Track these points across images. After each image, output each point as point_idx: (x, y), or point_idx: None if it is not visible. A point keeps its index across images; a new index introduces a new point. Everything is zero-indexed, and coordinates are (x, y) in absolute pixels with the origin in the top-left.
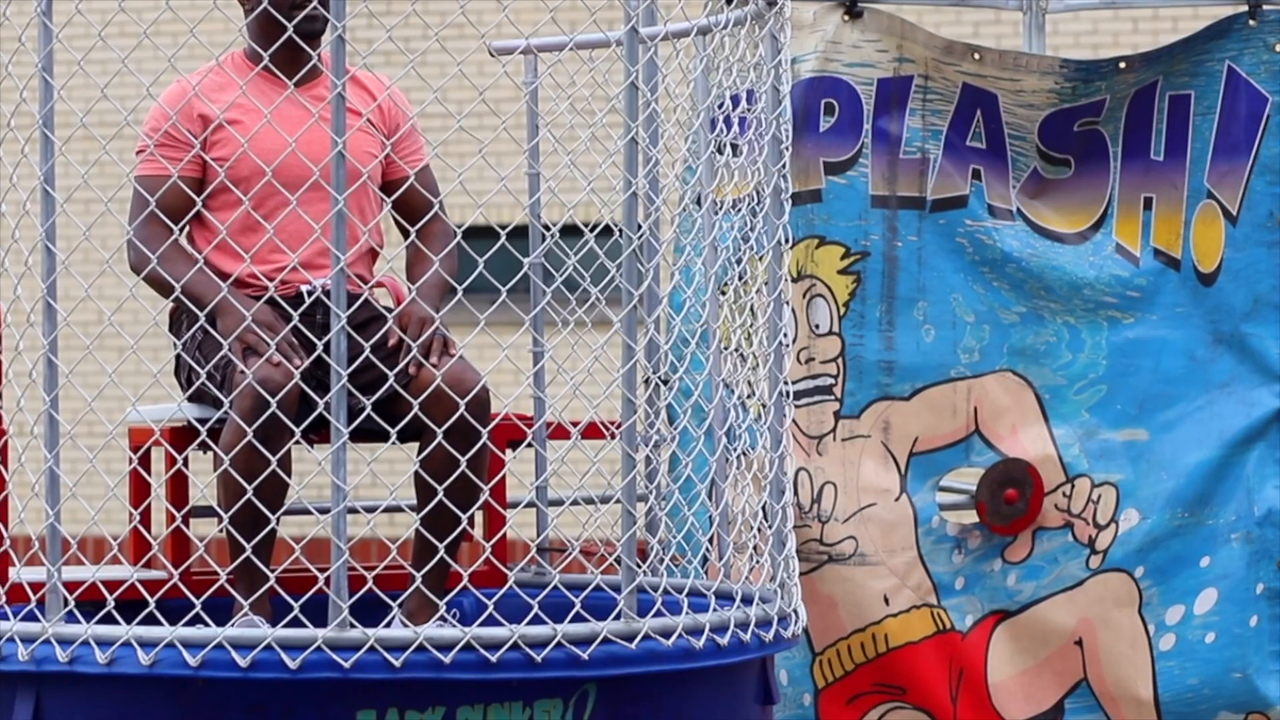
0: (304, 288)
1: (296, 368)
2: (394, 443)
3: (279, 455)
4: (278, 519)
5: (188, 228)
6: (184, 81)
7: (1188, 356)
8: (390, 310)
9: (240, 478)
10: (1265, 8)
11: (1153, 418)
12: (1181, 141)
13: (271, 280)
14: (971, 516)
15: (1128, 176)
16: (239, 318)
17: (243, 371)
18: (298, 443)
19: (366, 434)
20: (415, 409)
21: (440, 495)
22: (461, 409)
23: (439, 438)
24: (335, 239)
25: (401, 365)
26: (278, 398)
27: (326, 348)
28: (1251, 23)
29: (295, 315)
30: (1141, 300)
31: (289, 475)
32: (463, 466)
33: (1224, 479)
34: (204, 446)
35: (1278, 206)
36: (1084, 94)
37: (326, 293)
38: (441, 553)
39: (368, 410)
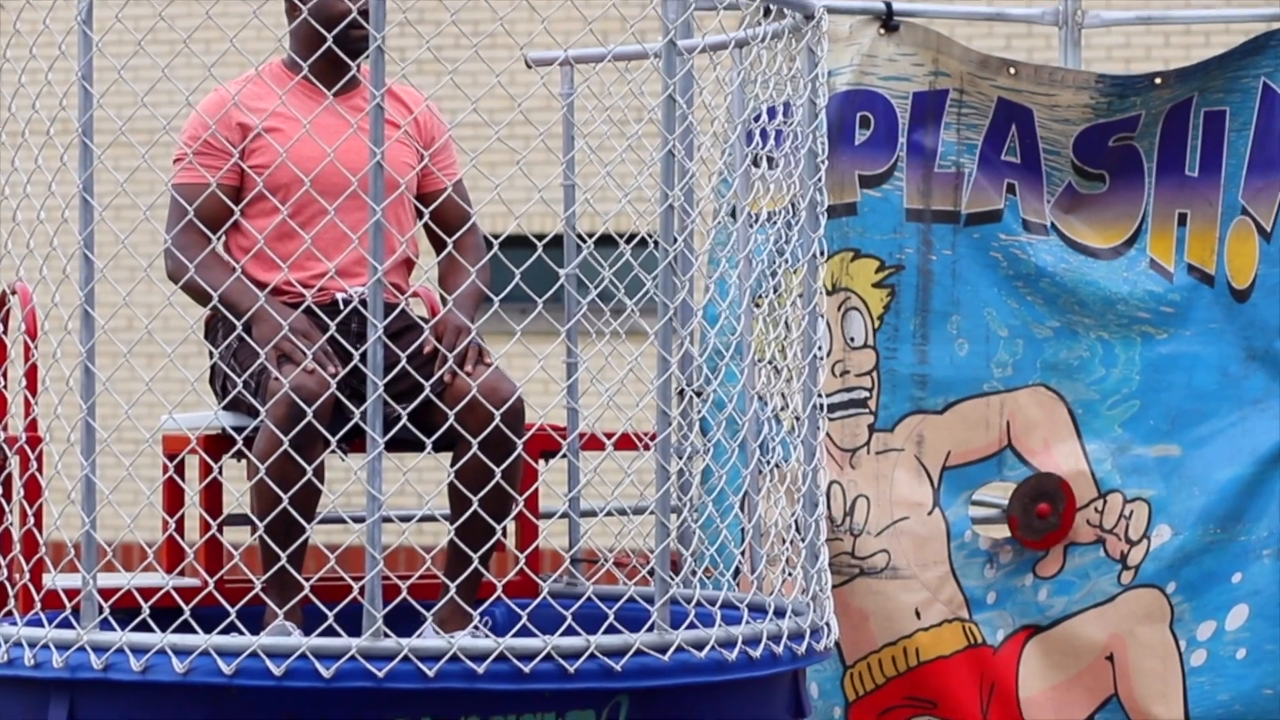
0: (340, 296)
1: (332, 376)
2: (429, 452)
3: (314, 464)
4: (311, 528)
5: (224, 236)
6: (223, 90)
7: (1220, 372)
8: (426, 320)
9: (274, 485)
10: None
11: (1185, 433)
12: (1216, 158)
13: (308, 289)
14: (1004, 531)
15: (1162, 192)
16: (275, 325)
17: (278, 379)
18: (332, 452)
19: (401, 443)
20: (450, 419)
21: (474, 505)
22: (496, 419)
23: (474, 448)
24: (373, 249)
25: (437, 375)
26: (313, 407)
27: (363, 357)
28: None
29: (332, 325)
30: (1175, 316)
31: (322, 483)
32: (497, 477)
33: (1256, 495)
34: (239, 455)
35: None
36: (1119, 109)
37: (363, 301)
38: (475, 563)
39: (403, 420)
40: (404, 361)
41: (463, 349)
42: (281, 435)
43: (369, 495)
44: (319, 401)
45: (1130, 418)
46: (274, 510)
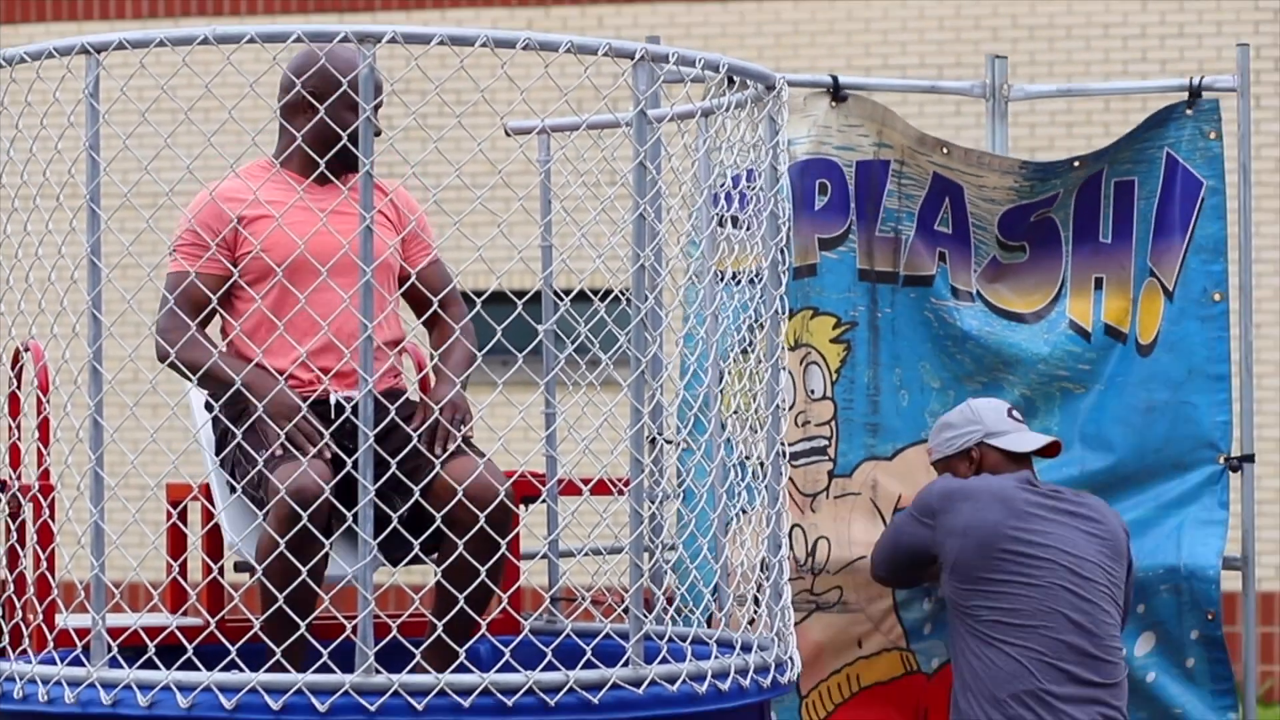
0: (335, 397)
1: (326, 479)
2: (418, 550)
3: (310, 564)
4: (308, 623)
5: (220, 323)
6: (212, 186)
7: (1125, 424)
8: (410, 397)
9: (275, 584)
10: (1205, 95)
11: (1096, 479)
12: (1127, 225)
13: (303, 379)
14: None
15: (1079, 259)
16: (270, 400)
17: (281, 471)
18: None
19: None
20: (438, 520)
21: (460, 603)
22: (481, 521)
23: (459, 549)
24: (363, 308)
25: (432, 475)
26: (309, 509)
27: (355, 461)
28: (1189, 111)
29: (326, 434)
30: (1091, 372)
31: (325, 566)
32: (482, 576)
33: (1155, 535)
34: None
35: (1211, 283)
36: (1040, 191)
37: (355, 407)
38: (451, 643)
39: (394, 523)
40: (394, 467)
41: (443, 432)
42: (280, 539)
43: (361, 540)
44: (317, 502)
45: (1048, 465)
46: (275, 605)
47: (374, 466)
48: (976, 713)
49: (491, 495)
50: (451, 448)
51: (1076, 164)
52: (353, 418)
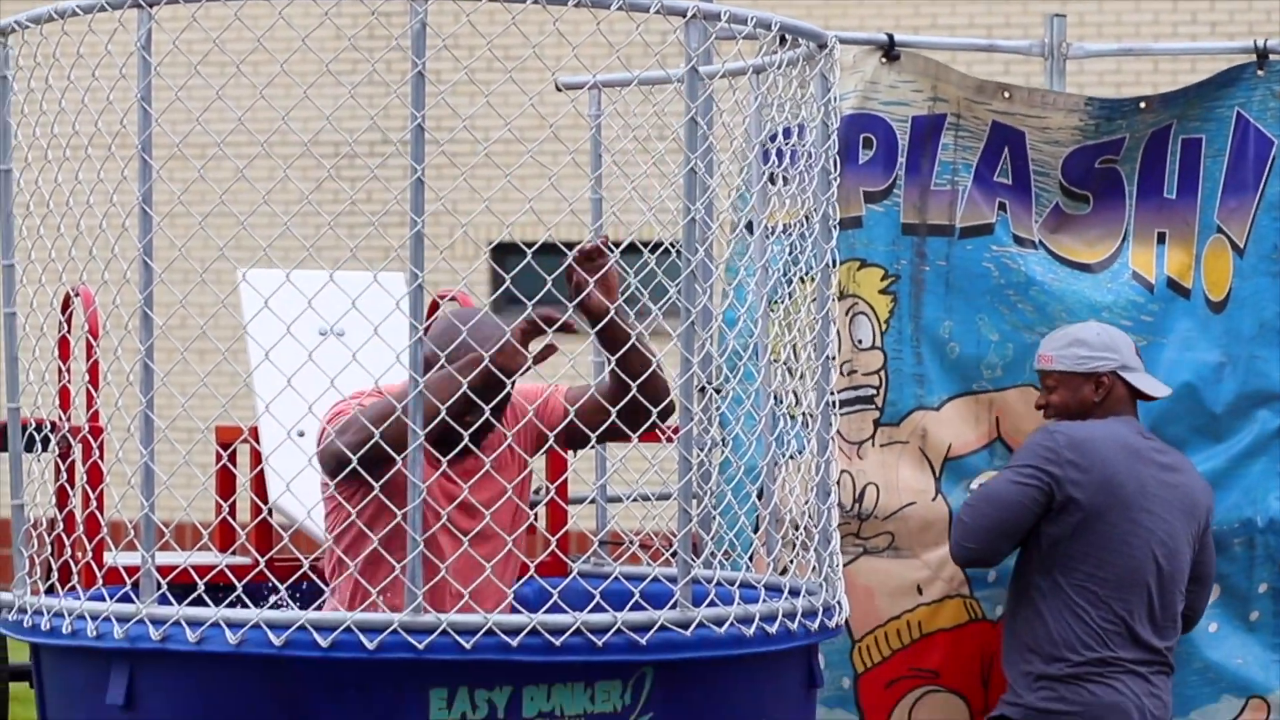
0: None
1: None
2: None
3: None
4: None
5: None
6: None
7: (1196, 378)
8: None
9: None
10: (1271, 58)
11: (1163, 431)
12: (1193, 181)
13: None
14: None
15: (1142, 213)
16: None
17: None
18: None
19: None
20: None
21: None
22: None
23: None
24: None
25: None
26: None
27: None
28: (1260, 72)
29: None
30: (1154, 324)
31: None
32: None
33: (1229, 488)
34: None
35: None
36: (1106, 132)
37: None
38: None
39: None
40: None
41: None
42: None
43: (411, 484)
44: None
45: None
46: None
47: None
48: (1036, 669)
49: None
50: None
51: (1143, 104)
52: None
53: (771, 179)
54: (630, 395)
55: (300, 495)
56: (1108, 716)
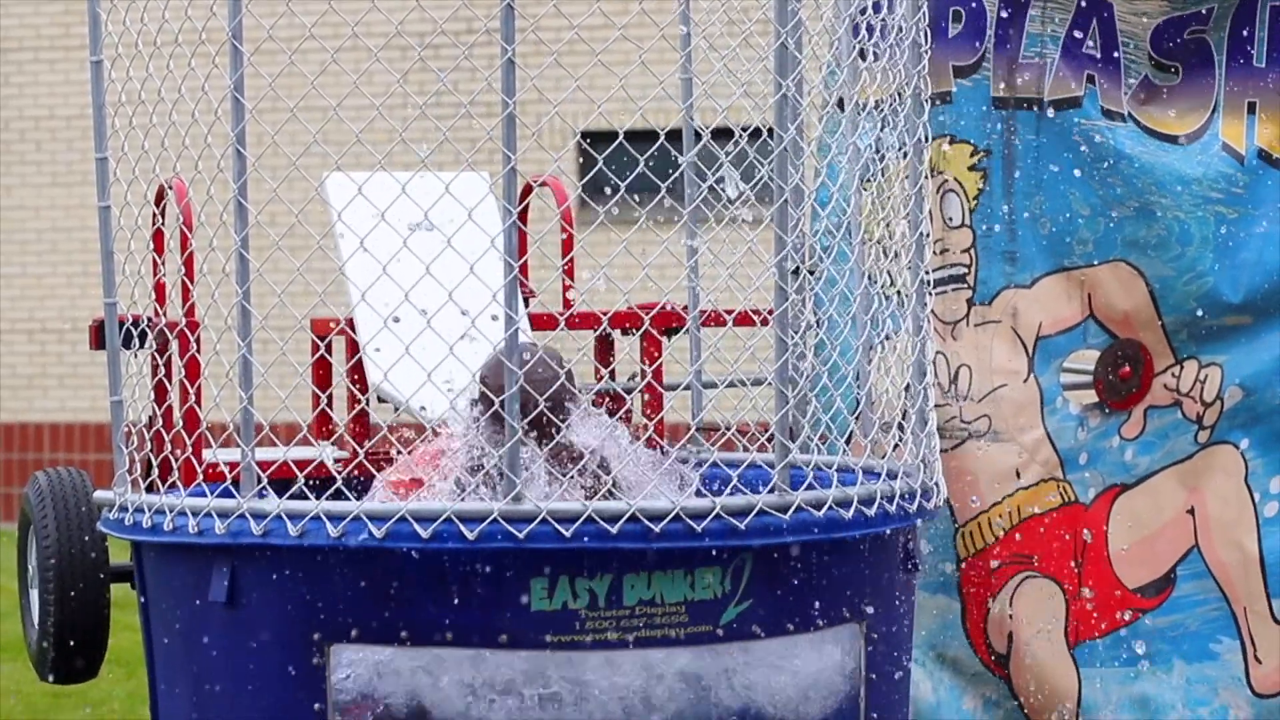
0: None
1: None
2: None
3: None
4: None
5: None
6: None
7: None
8: None
9: None
10: None
11: (1255, 305)
12: None
13: None
14: (1091, 396)
15: (1232, 82)
16: None
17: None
18: None
19: None
20: None
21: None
22: None
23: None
24: None
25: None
26: None
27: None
28: None
29: None
30: (1245, 196)
31: None
32: None
33: None
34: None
35: None
36: (1194, 2)
37: None
38: None
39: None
40: None
41: None
42: None
43: (506, 370)
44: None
45: (1204, 292)
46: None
47: None
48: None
49: None
50: None
51: None
52: None
53: (862, 54)
54: None
55: (399, 382)
56: None
